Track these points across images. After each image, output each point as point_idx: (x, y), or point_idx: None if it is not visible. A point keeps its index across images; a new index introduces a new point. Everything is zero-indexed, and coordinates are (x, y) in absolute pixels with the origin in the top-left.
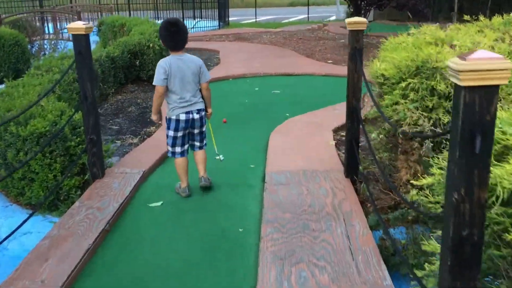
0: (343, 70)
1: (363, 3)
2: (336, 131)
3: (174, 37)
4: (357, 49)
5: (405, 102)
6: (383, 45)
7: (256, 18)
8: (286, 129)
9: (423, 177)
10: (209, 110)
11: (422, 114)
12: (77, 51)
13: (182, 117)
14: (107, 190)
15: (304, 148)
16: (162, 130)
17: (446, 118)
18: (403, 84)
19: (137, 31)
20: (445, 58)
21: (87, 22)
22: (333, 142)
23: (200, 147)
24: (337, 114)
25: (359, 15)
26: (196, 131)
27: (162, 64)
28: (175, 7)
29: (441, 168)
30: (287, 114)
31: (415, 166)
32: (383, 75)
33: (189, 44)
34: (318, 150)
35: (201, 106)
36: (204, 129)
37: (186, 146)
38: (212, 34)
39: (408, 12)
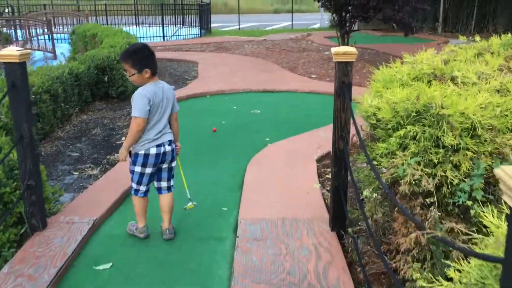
0: (327, 86)
1: (348, 15)
2: (320, 160)
3: (154, 60)
4: (345, 84)
5: (404, 155)
6: (374, 75)
7: (239, 25)
8: (265, 159)
9: (436, 279)
10: (179, 145)
11: (424, 171)
12: (10, 83)
13: (153, 151)
14: (46, 249)
15: (284, 186)
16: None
17: (456, 179)
18: (401, 132)
19: (107, 44)
20: (452, 104)
21: (22, 48)
22: (318, 185)
23: (168, 189)
24: (322, 139)
25: (343, 27)
26: (164, 166)
27: (145, 93)
28: (156, 13)
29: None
30: (267, 139)
31: (417, 234)
32: (375, 115)
33: (167, 55)
34: (300, 189)
35: (171, 136)
36: (173, 164)
37: (150, 186)
38: (192, 43)
39: (394, 24)
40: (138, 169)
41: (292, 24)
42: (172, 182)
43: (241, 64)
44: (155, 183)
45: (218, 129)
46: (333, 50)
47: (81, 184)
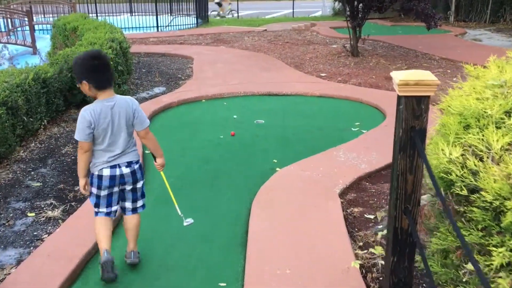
0: (340, 88)
1: (360, 4)
2: (344, 194)
3: (100, 71)
4: (416, 132)
5: None
6: (439, 103)
7: (238, 13)
8: (275, 194)
9: None
10: (158, 161)
11: None
12: None
13: (106, 172)
14: None
15: (305, 246)
16: None
17: None
18: None
19: (87, 39)
20: None
21: None
22: (357, 264)
23: (133, 210)
24: (343, 164)
25: (355, 19)
26: (128, 187)
27: (85, 115)
28: (150, 0)
29: None
30: (275, 161)
31: None
32: (464, 180)
33: (160, 48)
34: (330, 259)
35: (132, 157)
36: (139, 185)
37: (115, 207)
38: (188, 34)
39: (416, 16)
40: (94, 190)
41: (293, 12)
42: (139, 203)
43: (240, 60)
44: (120, 202)
45: (215, 148)
46: (397, 77)
47: (35, 234)
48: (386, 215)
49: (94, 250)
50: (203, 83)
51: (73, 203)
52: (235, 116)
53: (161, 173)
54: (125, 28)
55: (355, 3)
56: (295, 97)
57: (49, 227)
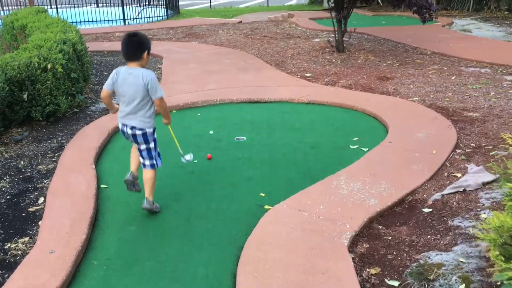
0: (330, 93)
1: None
2: (354, 245)
3: (123, 47)
4: None
5: None
6: None
7: (210, 3)
8: (266, 253)
9: None
10: (164, 121)
11: None
12: None
13: (119, 125)
14: None
15: None
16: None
17: None
18: None
19: (34, 42)
20: None
21: None
22: None
23: (144, 165)
24: (347, 198)
25: (341, 10)
26: (137, 146)
27: (114, 71)
28: None
29: None
30: (262, 195)
31: None
32: None
33: None
34: None
35: (137, 123)
36: (145, 147)
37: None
38: (157, 28)
39: (409, 8)
40: None
41: (268, 0)
42: (146, 162)
43: (215, 59)
44: None
45: (188, 179)
46: None
47: None
48: (413, 282)
49: None
50: (173, 88)
51: (4, 273)
52: (211, 132)
53: (168, 126)
54: (88, 21)
55: None
56: (279, 104)
57: None
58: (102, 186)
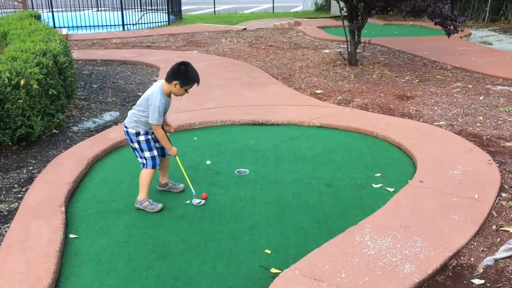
0: (344, 115)
1: (360, 4)
2: None
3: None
4: None
5: None
6: None
7: (214, 8)
8: None
9: None
10: (168, 153)
11: None
12: None
13: None
14: None
15: None
16: None
17: None
18: None
19: (9, 52)
20: None
21: None
22: None
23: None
24: (374, 262)
25: (354, 20)
26: None
27: None
28: None
29: None
30: (268, 252)
31: None
32: None
33: (121, 54)
34: None
35: (126, 121)
36: (132, 146)
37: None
38: (157, 34)
39: (431, 19)
40: None
41: (273, 6)
42: (139, 160)
43: (217, 71)
44: None
45: (178, 227)
46: None
47: None
48: None
49: None
50: None
51: None
52: (208, 162)
53: (176, 158)
54: (85, 26)
55: (355, 1)
56: (287, 128)
57: None
58: (71, 236)
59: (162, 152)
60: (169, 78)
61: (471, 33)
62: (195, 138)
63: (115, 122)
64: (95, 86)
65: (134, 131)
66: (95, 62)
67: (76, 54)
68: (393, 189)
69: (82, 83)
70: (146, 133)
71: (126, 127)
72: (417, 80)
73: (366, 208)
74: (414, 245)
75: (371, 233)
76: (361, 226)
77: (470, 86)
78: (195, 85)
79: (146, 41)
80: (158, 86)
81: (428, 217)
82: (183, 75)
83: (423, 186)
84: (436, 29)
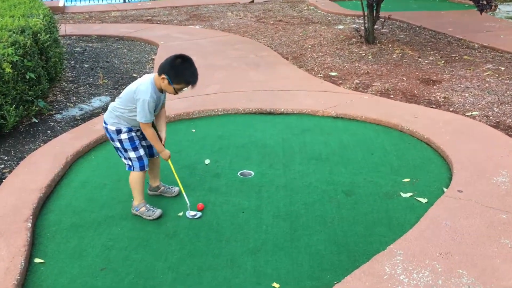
0: (363, 102)
1: None
2: None
3: None
4: None
5: None
6: None
7: None
8: None
9: None
10: (160, 155)
11: None
12: None
13: None
14: None
15: None
16: None
17: None
18: None
19: None
20: None
21: None
22: None
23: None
24: None
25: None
26: None
27: None
28: None
29: None
30: (275, 286)
31: None
32: None
33: (119, 29)
34: None
35: (104, 116)
36: (114, 145)
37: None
38: (160, 7)
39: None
40: None
41: None
42: (124, 161)
43: (221, 50)
44: None
45: (167, 247)
46: None
47: None
48: None
49: None
50: None
51: None
52: (207, 162)
53: (169, 161)
54: None
55: None
56: (299, 117)
57: None
58: (36, 261)
59: (150, 151)
60: (160, 70)
61: (497, 7)
62: (193, 130)
63: (104, 109)
64: (86, 65)
65: (114, 128)
66: (90, 38)
67: (70, 29)
68: (426, 200)
69: (72, 62)
70: (129, 130)
71: (105, 123)
72: (442, 61)
73: (395, 224)
74: (459, 281)
75: (404, 263)
76: (391, 252)
77: (503, 68)
78: (189, 86)
79: (147, 14)
80: (150, 78)
81: (473, 240)
82: (174, 71)
83: (463, 198)
84: (458, 1)
